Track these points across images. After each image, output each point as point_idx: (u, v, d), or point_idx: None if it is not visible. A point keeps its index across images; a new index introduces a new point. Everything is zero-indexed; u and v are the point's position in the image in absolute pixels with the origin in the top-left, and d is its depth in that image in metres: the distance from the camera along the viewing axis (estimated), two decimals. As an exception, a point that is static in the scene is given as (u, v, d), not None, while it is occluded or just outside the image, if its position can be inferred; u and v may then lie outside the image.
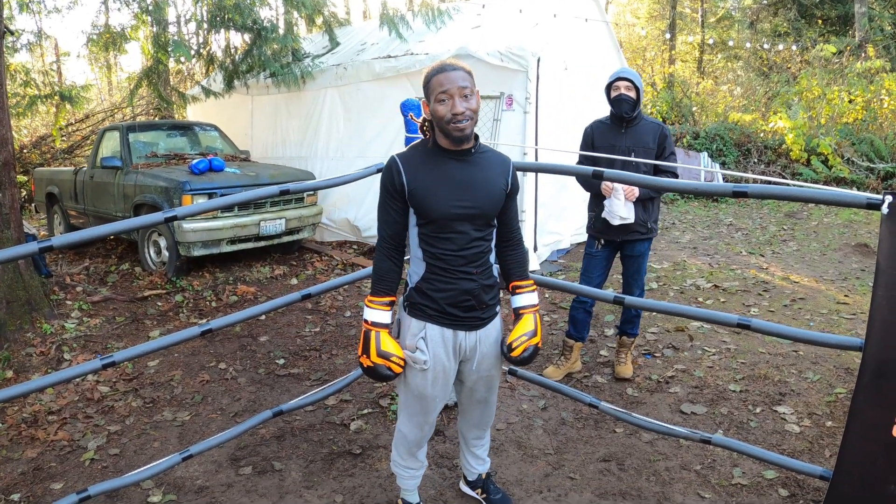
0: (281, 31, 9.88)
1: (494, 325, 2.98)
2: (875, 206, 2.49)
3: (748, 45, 24.43)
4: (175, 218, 2.94)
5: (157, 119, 14.42)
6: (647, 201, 4.76)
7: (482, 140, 2.92)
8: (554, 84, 8.40)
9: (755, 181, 10.53)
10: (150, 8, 9.61)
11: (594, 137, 4.91)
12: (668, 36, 25.80)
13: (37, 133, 16.75)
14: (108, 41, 10.27)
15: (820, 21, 23.87)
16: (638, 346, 5.68)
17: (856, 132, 15.45)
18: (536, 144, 7.89)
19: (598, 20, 9.97)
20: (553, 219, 8.81)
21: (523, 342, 2.88)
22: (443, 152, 2.74)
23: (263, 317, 6.61)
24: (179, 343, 3.24)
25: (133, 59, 41.30)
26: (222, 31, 10.31)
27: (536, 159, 7.99)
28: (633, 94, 4.70)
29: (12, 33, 9.61)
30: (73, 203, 10.17)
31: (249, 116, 11.58)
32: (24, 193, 13.81)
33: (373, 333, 2.78)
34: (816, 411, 4.47)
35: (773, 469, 3.75)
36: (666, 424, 3.54)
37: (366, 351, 2.79)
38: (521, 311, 2.99)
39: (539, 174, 8.08)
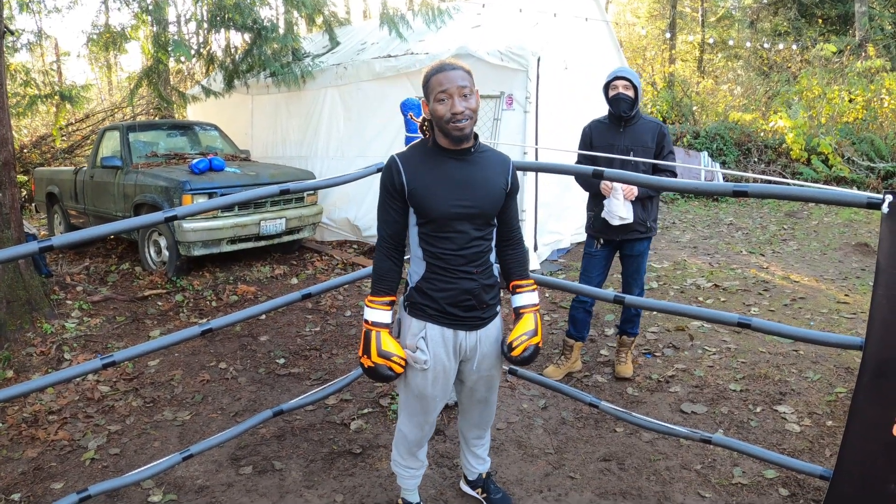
0: (281, 31, 9.88)
1: (495, 325, 2.98)
2: (875, 206, 2.49)
3: (748, 44, 24.41)
4: (175, 217, 2.94)
5: (157, 119, 14.41)
6: (646, 200, 4.76)
7: (482, 139, 2.92)
8: (554, 83, 8.39)
9: (755, 181, 10.53)
10: (150, 7, 9.60)
11: (593, 137, 4.91)
12: (668, 35, 25.79)
13: (37, 133, 16.75)
14: (109, 41, 10.27)
15: (820, 20, 23.87)
16: (638, 346, 5.68)
17: (856, 131, 15.45)
18: (536, 144, 7.89)
19: (599, 19, 9.98)
20: (553, 218, 8.81)
21: (523, 342, 2.88)
22: (442, 152, 2.73)
23: (264, 316, 6.61)
24: (180, 343, 3.24)
25: (133, 58, 41.31)
26: (222, 30, 10.31)
27: (537, 159, 7.99)
28: (631, 94, 4.70)
29: (12, 33, 9.61)
30: (73, 203, 10.17)
31: (249, 116, 11.58)
32: (25, 193, 13.81)
33: (373, 333, 2.78)
34: (817, 411, 4.47)
35: (774, 468, 3.75)
36: (666, 424, 3.54)
37: (366, 351, 2.78)
38: (521, 311, 2.98)
39: (539, 173, 8.08)
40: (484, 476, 3.52)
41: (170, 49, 9.66)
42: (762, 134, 16.26)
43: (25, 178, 13.96)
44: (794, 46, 22.42)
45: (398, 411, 3.16)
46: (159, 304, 7.23)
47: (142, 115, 15.91)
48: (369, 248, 9.29)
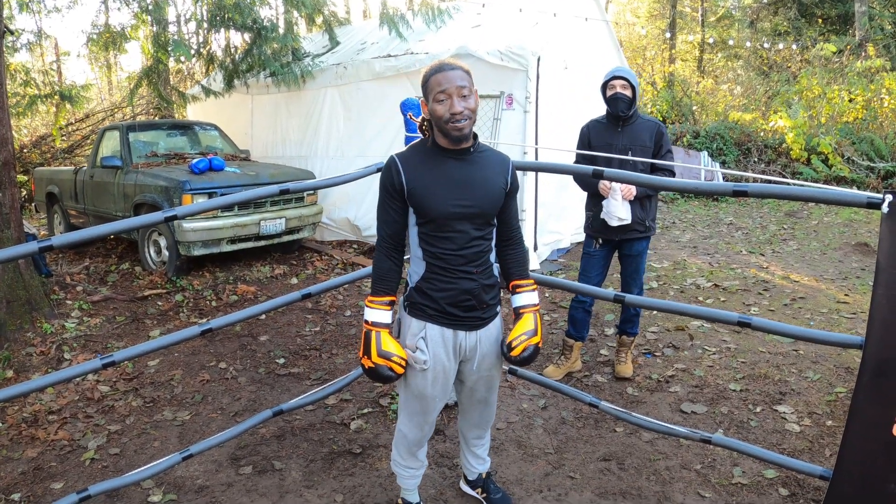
0: (281, 31, 9.87)
1: (495, 325, 2.97)
2: (875, 206, 2.49)
3: (748, 44, 24.41)
4: (175, 217, 2.94)
5: (157, 118, 14.41)
6: (644, 200, 4.76)
7: (482, 139, 2.92)
8: (554, 83, 8.39)
9: (755, 180, 10.53)
10: (150, 7, 9.60)
11: (591, 137, 4.91)
12: (668, 35, 25.79)
13: (37, 133, 16.75)
14: (108, 41, 10.27)
15: (820, 20, 23.87)
16: (638, 346, 5.68)
17: (856, 131, 15.45)
18: (536, 144, 7.89)
19: (598, 19, 9.97)
20: (553, 218, 8.82)
21: (523, 341, 2.88)
22: (442, 151, 2.74)
23: (263, 316, 6.61)
24: (179, 342, 3.24)
25: (133, 58, 41.29)
26: (222, 30, 10.30)
27: (537, 158, 7.99)
28: (628, 93, 4.70)
29: (12, 33, 9.61)
30: (73, 203, 10.17)
31: (249, 116, 11.58)
32: (24, 193, 13.81)
33: (373, 333, 2.77)
34: (817, 410, 4.47)
35: (774, 468, 3.75)
36: (666, 424, 3.54)
37: (367, 352, 2.78)
38: (521, 311, 2.98)
39: (539, 173, 8.08)
40: (484, 476, 3.52)
41: (170, 49, 9.66)
42: (762, 134, 16.26)
43: (25, 177, 13.96)
44: (794, 46, 22.43)
45: (398, 411, 3.16)
46: (159, 303, 7.23)
47: (142, 115, 15.92)
48: (369, 248, 9.30)
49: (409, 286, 2.88)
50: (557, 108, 8.43)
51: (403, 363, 2.79)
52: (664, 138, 4.77)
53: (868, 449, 2.59)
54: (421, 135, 2.86)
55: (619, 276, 5.13)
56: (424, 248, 2.78)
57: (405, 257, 2.91)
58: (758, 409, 4.52)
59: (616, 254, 5.02)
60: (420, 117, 2.83)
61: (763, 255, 8.98)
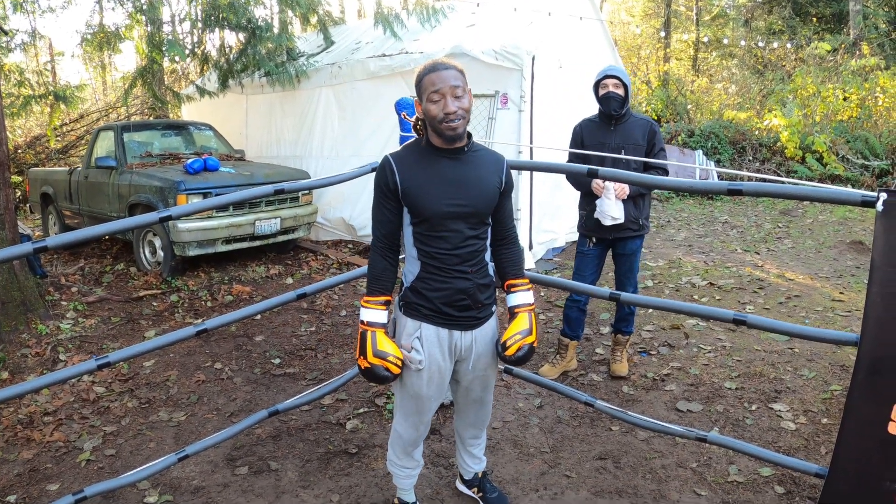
0: (275, 30, 9.86)
1: (490, 325, 2.98)
2: (870, 204, 2.49)
3: (743, 42, 24.42)
4: (170, 218, 2.94)
5: (151, 119, 14.39)
6: (637, 198, 4.76)
7: (477, 139, 2.92)
8: (549, 82, 8.40)
9: (750, 179, 10.54)
10: (145, 7, 9.59)
11: (583, 136, 4.90)
12: (662, 34, 25.81)
13: (31, 133, 16.71)
14: (103, 41, 10.25)
15: (814, 19, 23.91)
16: (633, 344, 5.69)
17: (850, 130, 15.48)
18: (531, 143, 7.90)
19: (593, 18, 9.98)
20: (548, 217, 8.82)
21: (517, 341, 2.88)
22: (436, 151, 2.74)
23: (259, 316, 6.60)
24: (175, 343, 3.23)
25: (127, 58, 41.24)
26: (217, 30, 10.28)
27: (531, 158, 8.00)
28: (621, 92, 4.70)
29: (6, 33, 9.60)
30: (67, 203, 10.15)
31: (244, 116, 11.57)
32: (19, 194, 13.79)
33: (369, 333, 2.77)
34: (812, 408, 4.48)
35: (769, 466, 3.75)
36: (662, 422, 3.54)
37: (362, 352, 2.78)
38: (515, 310, 2.98)
39: (534, 172, 8.08)
40: (480, 475, 3.52)
41: (164, 49, 9.65)
42: (757, 132, 16.27)
43: (20, 178, 13.94)
44: (789, 45, 22.44)
45: (394, 411, 3.16)
46: (154, 304, 7.22)
47: (136, 115, 15.89)
48: (364, 248, 9.29)
49: (404, 286, 2.88)
50: (552, 107, 8.44)
51: (400, 363, 2.79)
52: (657, 136, 4.78)
53: (863, 447, 2.59)
54: (415, 134, 2.86)
55: (613, 275, 5.13)
56: (419, 248, 2.78)
57: (400, 257, 2.91)
58: (753, 408, 4.52)
59: (610, 253, 5.02)
60: (414, 117, 2.84)
61: (758, 254, 8.99)
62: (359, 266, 6.91)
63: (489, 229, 2.91)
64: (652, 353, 5.56)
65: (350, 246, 9.62)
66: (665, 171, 4.76)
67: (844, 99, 16.21)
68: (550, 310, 6.72)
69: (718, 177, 14.08)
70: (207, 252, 8.02)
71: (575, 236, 9.09)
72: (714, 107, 19.51)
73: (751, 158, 15.60)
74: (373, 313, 2.80)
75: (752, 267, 8.21)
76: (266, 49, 9.84)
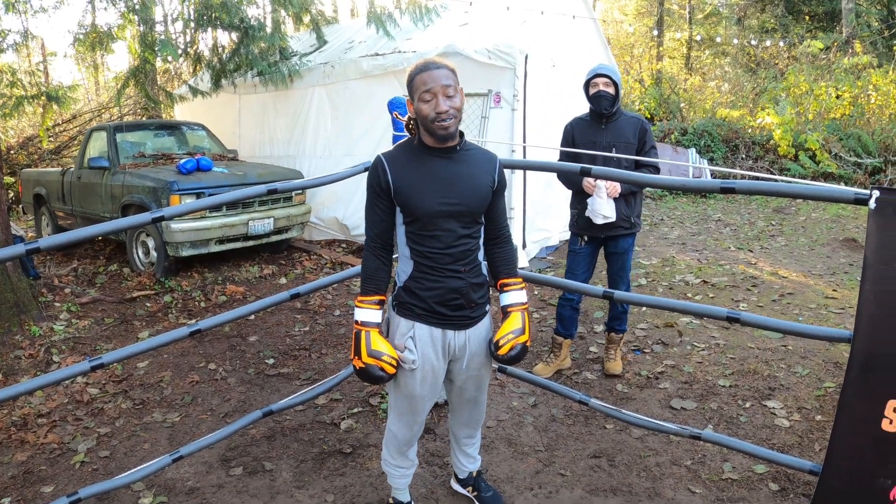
0: (268, 30, 9.85)
1: (484, 324, 2.97)
2: (863, 202, 2.50)
3: (736, 41, 24.48)
4: (162, 218, 2.93)
5: (144, 119, 14.36)
6: (629, 196, 4.76)
7: (470, 138, 2.92)
8: (542, 81, 8.40)
9: (743, 177, 10.56)
10: (137, 7, 9.56)
11: (574, 134, 4.90)
12: (655, 32, 25.83)
13: (24, 134, 16.67)
14: (95, 41, 10.22)
15: (807, 17, 23.96)
16: (627, 343, 5.69)
17: (843, 127, 15.51)
18: (524, 142, 7.90)
19: (586, 17, 9.99)
20: (541, 216, 8.83)
21: (510, 340, 2.87)
22: (428, 150, 2.74)
23: (252, 317, 6.59)
24: (168, 344, 3.23)
25: (120, 58, 41.17)
26: (209, 29, 10.27)
27: (525, 156, 8.00)
28: (611, 90, 4.70)
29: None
30: (60, 204, 10.13)
31: (237, 115, 11.55)
32: (12, 195, 13.74)
33: (363, 333, 2.77)
34: (806, 405, 4.49)
35: (763, 464, 3.76)
36: (656, 420, 3.55)
37: (357, 352, 2.77)
38: (508, 309, 2.98)
39: (527, 171, 8.08)
40: (474, 474, 3.52)
41: (157, 49, 9.63)
42: (750, 130, 16.30)
43: (12, 179, 13.90)
44: (782, 43, 22.49)
45: (388, 411, 3.16)
46: (148, 305, 7.21)
47: (129, 116, 15.85)
48: (358, 247, 9.29)
49: (398, 285, 2.87)
50: (545, 106, 8.44)
51: (395, 362, 2.78)
52: (648, 134, 4.78)
53: (856, 444, 2.60)
54: (408, 134, 2.86)
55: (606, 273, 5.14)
56: (412, 247, 2.78)
57: (394, 256, 2.90)
58: (747, 405, 4.53)
59: (602, 251, 5.02)
60: (406, 116, 2.84)
61: (751, 252, 9.00)
62: (352, 265, 6.91)
63: (482, 228, 2.91)
64: (646, 351, 5.56)
65: (343, 245, 9.62)
66: (656, 169, 4.77)
67: (837, 97, 16.26)
68: (544, 308, 6.72)
69: (711, 175, 14.10)
70: (201, 252, 8.01)
71: (568, 235, 9.14)
72: (707, 105, 19.56)
73: (744, 156, 15.63)
74: (367, 313, 2.79)
75: (746, 265, 8.22)
76: (259, 48, 9.83)
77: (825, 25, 23.13)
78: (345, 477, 3.81)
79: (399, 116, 4.02)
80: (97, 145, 9.43)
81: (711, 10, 27.12)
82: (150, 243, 8.29)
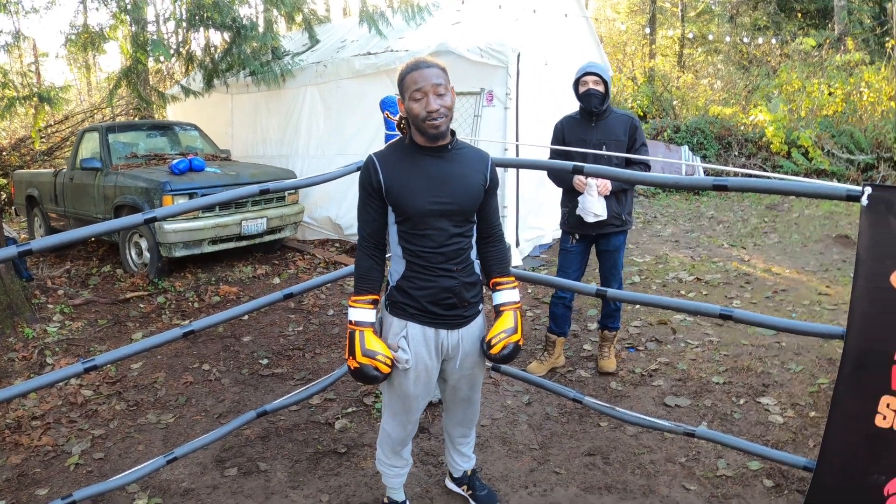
0: (260, 30, 9.84)
1: (477, 324, 2.97)
2: (855, 198, 2.50)
3: (728, 38, 24.51)
4: (155, 219, 2.93)
5: (136, 119, 14.33)
6: (620, 194, 4.76)
7: (463, 136, 2.92)
8: (534, 80, 8.41)
9: (735, 174, 10.57)
10: (129, 7, 9.54)
11: (565, 132, 4.90)
12: (648, 30, 25.84)
13: (16, 135, 16.63)
14: (87, 41, 10.19)
15: (799, 14, 24.02)
16: (621, 340, 5.70)
17: (836, 124, 15.55)
18: (517, 140, 7.90)
19: (578, 15, 10.00)
20: (534, 214, 8.83)
21: (502, 339, 2.88)
22: (419, 149, 2.74)
23: (246, 317, 6.58)
24: (162, 345, 3.22)
25: (112, 58, 41.09)
26: (201, 29, 10.25)
27: (517, 155, 8.00)
28: (601, 88, 4.70)
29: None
30: (53, 205, 10.10)
31: (229, 115, 11.53)
32: (4, 196, 13.71)
33: (357, 333, 2.77)
34: (800, 402, 4.50)
35: (758, 460, 3.77)
36: (650, 418, 3.55)
37: (351, 352, 2.77)
38: (501, 308, 2.98)
39: (520, 169, 8.09)
40: (469, 473, 3.52)
41: (149, 49, 9.60)
42: (742, 128, 16.33)
43: (4, 180, 13.86)
44: (774, 40, 22.53)
45: (382, 410, 3.16)
46: (141, 306, 7.19)
47: (121, 116, 15.81)
48: (351, 247, 9.28)
49: (390, 285, 2.87)
50: (538, 104, 8.44)
51: (389, 362, 2.78)
52: (638, 132, 4.78)
53: (849, 441, 2.61)
54: (399, 133, 2.86)
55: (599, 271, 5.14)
56: (404, 247, 2.77)
57: (387, 256, 2.90)
58: (741, 402, 4.54)
59: (594, 249, 5.02)
60: (398, 116, 2.83)
61: (745, 249, 9.02)
62: (346, 265, 6.90)
63: (474, 227, 2.91)
64: (639, 348, 5.57)
65: (337, 245, 9.61)
66: (647, 167, 4.77)
67: (829, 94, 16.30)
68: (538, 306, 6.73)
69: (704, 172, 14.12)
70: (194, 253, 8.00)
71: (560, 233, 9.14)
72: (700, 102, 19.57)
73: (737, 153, 15.65)
74: (360, 313, 2.79)
75: (739, 262, 8.24)
76: (251, 48, 9.81)
77: (817, 23, 23.20)
78: (339, 477, 3.81)
79: (390, 116, 4.02)
80: (89, 146, 9.41)
81: (704, 7, 27.16)
82: (143, 244, 8.27)
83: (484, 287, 3.05)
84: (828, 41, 19.99)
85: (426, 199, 2.68)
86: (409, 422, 3.06)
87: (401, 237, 2.77)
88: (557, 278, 4.13)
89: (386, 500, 3.38)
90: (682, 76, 22.92)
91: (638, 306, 6.42)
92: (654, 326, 6.02)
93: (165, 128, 10.24)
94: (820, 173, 14.19)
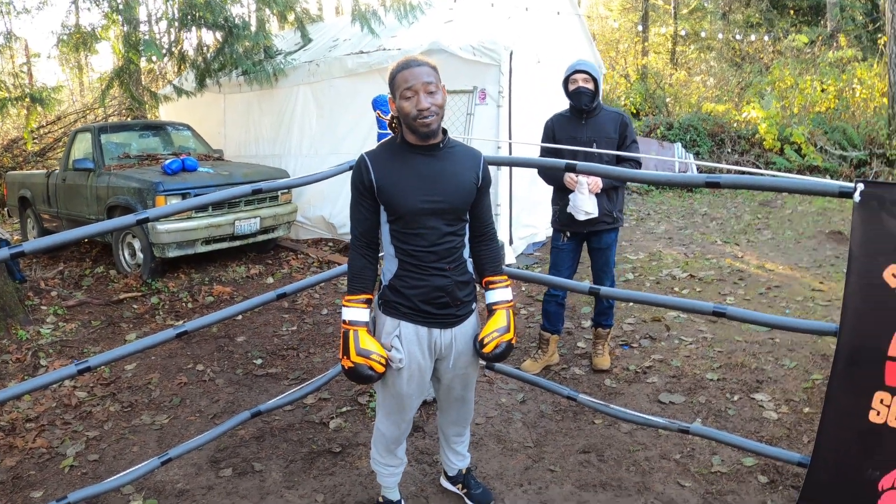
0: (253, 29, 9.84)
1: (470, 323, 2.97)
2: (847, 195, 2.51)
3: (721, 35, 24.55)
4: (147, 220, 2.92)
5: (129, 119, 14.30)
6: (611, 191, 4.76)
7: (456, 135, 2.92)
8: (527, 78, 8.41)
9: (728, 171, 10.59)
10: (121, 7, 9.53)
11: (555, 130, 4.90)
12: (640, 28, 25.85)
13: (8, 136, 16.57)
14: (79, 41, 10.18)
15: (792, 11, 24.06)
16: (615, 337, 5.70)
17: (828, 121, 15.60)
18: (510, 138, 7.90)
19: (571, 13, 10.00)
20: (528, 212, 8.84)
21: (494, 338, 2.88)
22: (411, 148, 2.73)
23: (240, 317, 6.57)
24: (156, 346, 3.21)
25: (104, 59, 41.01)
26: (193, 29, 10.25)
27: (510, 153, 8.00)
28: (590, 86, 4.70)
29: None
30: (45, 206, 10.07)
31: (222, 115, 11.51)
32: (-4, 198, 13.67)
33: (351, 332, 2.76)
34: (794, 398, 4.51)
35: (752, 456, 3.77)
36: (644, 415, 3.56)
37: (345, 352, 2.76)
38: (493, 307, 2.98)
39: (514, 167, 8.09)
40: (464, 471, 3.52)
41: (141, 49, 9.60)
42: (735, 124, 16.36)
43: (-3, 182, 13.82)
44: (767, 37, 22.57)
45: (376, 409, 3.16)
46: (135, 307, 7.18)
47: (114, 116, 15.77)
48: (344, 246, 9.27)
49: (383, 284, 2.87)
50: (530, 102, 8.44)
51: (384, 361, 2.78)
52: (628, 129, 4.79)
53: (843, 437, 2.61)
54: (391, 132, 2.86)
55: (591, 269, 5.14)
56: (396, 246, 2.77)
57: (380, 255, 2.90)
58: (735, 398, 4.55)
59: (586, 247, 5.02)
60: (389, 115, 2.83)
61: (738, 245, 9.04)
62: (339, 264, 6.90)
63: (467, 226, 2.91)
64: (633, 345, 5.58)
65: (330, 244, 9.61)
66: (638, 164, 4.77)
67: (822, 90, 16.33)
68: (532, 304, 6.73)
69: (697, 169, 14.14)
70: (187, 253, 7.98)
71: (555, 231, 9.13)
72: (692, 99, 19.60)
73: (730, 150, 15.68)
74: (354, 312, 2.79)
75: (733, 258, 8.25)
76: (243, 48, 9.81)
77: (810, 19, 23.24)
78: (334, 476, 3.81)
79: (382, 115, 4.01)
80: (82, 147, 9.38)
81: (696, 5, 27.19)
82: (137, 245, 8.25)
83: (477, 286, 3.05)
84: (820, 38, 20.04)
85: (418, 198, 2.68)
86: (403, 421, 3.06)
87: (393, 236, 2.77)
88: (550, 276, 4.13)
89: (381, 500, 3.38)
90: (675, 73, 22.94)
91: (632, 303, 6.43)
92: (647, 323, 6.03)
93: (158, 128, 10.21)
94: (813, 169, 14.22)
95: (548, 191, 5.07)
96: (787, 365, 5.01)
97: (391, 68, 2.70)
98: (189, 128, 10.39)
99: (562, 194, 4.81)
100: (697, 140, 15.71)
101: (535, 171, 7.67)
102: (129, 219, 2.87)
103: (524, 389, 4.81)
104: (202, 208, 7.92)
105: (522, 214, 8.69)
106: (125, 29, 9.86)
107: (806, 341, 5.39)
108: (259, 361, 5.59)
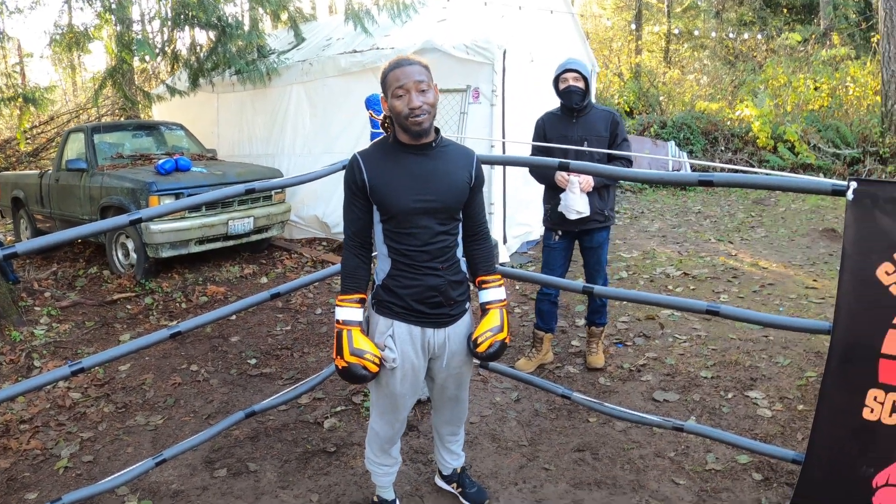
0: (246, 28, 9.82)
1: (464, 322, 2.97)
2: (840, 193, 2.51)
3: (714, 34, 24.62)
4: (141, 220, 2.91)
5: (122, 119, 14.27)
6: (602, 189, 4.76)
7: (449, 133, 2.92)
8: (520, 76, 8.41)
9: (721, 169, 10.61)
10: (114, 6, 9.51)
11: (546, 129, 4.91)
12: (634, 26, 25.90)
13: (1, 136, 16.53)
14: (72, 41, 10.16)
15: (785, 10, 24.10)
16: (609, 336, 5.71)
17: (821, 119, 15.61)
18: (503, 137, 7.90)
19: (564, 12, 10.01)
20: (521, 210, 8.83)
21: (488, 338, 2.88)
22: (403, 147, 2.73)
23: (234, 317, 6.57)
24: (150, 346, 3.21)
25: (97, 58, 40.86)
26: (187, 28, 10.22)
27: (504, 152, 8.00)
28: (581, 85, 4.71)
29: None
30: (39, 207, 10.04)
31: (215, 114, 11.49)
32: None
33: (344, 332, 2.76)
34: (788, 395, 4.52)
35: (747, 454, 3.78)
36: (638, 413, 3.56)
37: (339, 351, 2.76)
38: (487, 307, 2.98)
39: (507, 166, 8.09)
40: (459, 470, 3.52)
41: (134, 48, 9.58)
42: (729, 123, 16.38)
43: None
44: (760, 36, 22.63)
45: (370, 409, 3.15)
46: (128, 307, 7.16)
47: (107, 116, 15.75)
48: (338, 245, 9.26)
49: (376, 284, 2.87)
50: (524, 101, 8.44)
51: (378, 360, 2.78)
52: (619, 127, 4.79)
53: (837, 435, 2.62)
54: (383, 131, 2.86)
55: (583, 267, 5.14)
56: (389, 245, 2.77)
57: (374, 254, 2.90)
58: (729, 396, 4.56)
59: (578, 246, 5.02)
60: (382, 114, 2.83)
61: (732, 243, 9.05)
62: (333, 263, 6.89)
63: (460, 225, 2.91)
64: (628, 343, 5.58)
65: (324, 243, 9.60)
66: (629, 162, 4.77)
67: (815, 89, 16.36)
68: (526, 303, 6.73)
69: (691, 167, 14.16)
70: (181, 253, 7.97)
71: (548, 230, 9.13)
72: (686, 98, 19.62)
73: (723, 149, 15.69)
74: (348, 311, 2.79)
75: (726, 256, 8.26)
76: (236, 47, 9.79)
77: (803, 18, 23.28)
78: (329, 476, 3.80)
79: (375, 115, 4.01)
80: (75, 147, 9.35)
81: (689, 3, 27.20)
82: (130, 245, 8.23)
83: (470, 285, 3.05)
84: (813, 36, 20.07)
85: (410, 198, 2.68)
86: (397, 420, 3.06)
87: (386, 236, 2.77)
88: (543, 275, 4.14)
89: (376, 499, 3.38)
90: (669, 72, 22.97)
91: (625, 301, 6.43)
92: (641, 321, 6.03)
93: (151, 128, 10.20)
94: (806, 167, 14.24)
95: (541, 189, 5.07)
96: (781, 362, 5.02)
97: (383, 68, 2.70)
98: (182, 127, 10.37)
99: (553, 193, 4.81)
100: (691, 138, 15.72)
101: (527, 169, 7.70)
102: (123, 219, 2.86)
103: (518, 388, 4.81)
104: (196, 208, 7.90)
105: (516, 213, 8.69)
106: (118, 28, 9.84)
107: (799, 339, 5.40)
108: (253, 361, 5.58)
